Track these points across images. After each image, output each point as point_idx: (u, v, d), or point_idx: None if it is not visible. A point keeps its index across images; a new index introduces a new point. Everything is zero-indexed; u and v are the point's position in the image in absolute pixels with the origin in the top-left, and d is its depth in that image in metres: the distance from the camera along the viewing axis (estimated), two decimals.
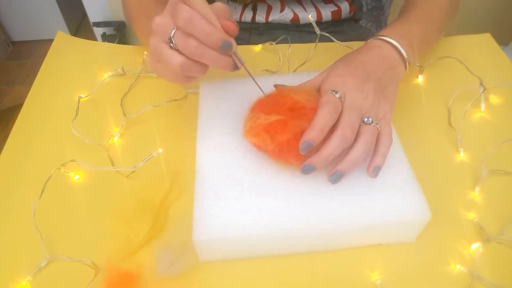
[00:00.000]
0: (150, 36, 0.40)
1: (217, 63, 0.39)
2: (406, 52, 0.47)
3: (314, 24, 0.59)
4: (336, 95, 0.40)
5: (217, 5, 0.39)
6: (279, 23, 0.70)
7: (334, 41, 0.61)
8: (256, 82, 0.43)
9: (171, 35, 0.38)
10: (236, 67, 0.40)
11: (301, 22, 0.70)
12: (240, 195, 0.40)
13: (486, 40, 0.66)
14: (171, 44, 0.38)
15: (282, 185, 0.41)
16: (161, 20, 0.39)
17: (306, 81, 0.46)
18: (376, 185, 0.41)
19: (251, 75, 0.42)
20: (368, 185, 0.41)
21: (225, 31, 0.38)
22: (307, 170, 0.39)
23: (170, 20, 0.38)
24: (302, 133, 0.39)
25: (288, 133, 0.39)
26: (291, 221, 0.38)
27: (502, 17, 1.23)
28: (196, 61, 0.39)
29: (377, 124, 0.40)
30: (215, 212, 0.39)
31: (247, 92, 0.46)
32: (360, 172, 0.41)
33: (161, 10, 0.54)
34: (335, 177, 0.39)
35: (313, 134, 0.38)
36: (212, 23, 0.37)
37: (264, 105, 0.43)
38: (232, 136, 0.46)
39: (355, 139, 0.40)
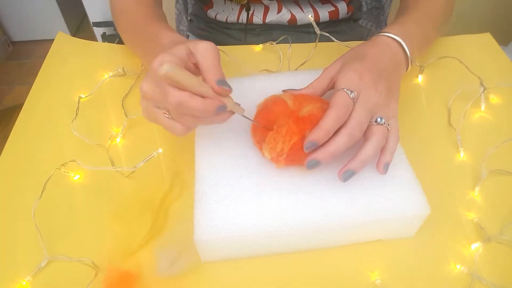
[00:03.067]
0: (140, 97, 0.39)
1: (215, 123, 0.40)
2: (410, 52, 0.47)
3: (314, 24, 0.59)
4: (351, 95, 0.39)
5: (202, 46, 0.37)
6: (277, 24, 0.70)
7: (333, 41, 0.60)
8: (251, 120, 0.42)
9: (166, 110, 0.38)
10: (226, 118, 0.41)
11: (299, 23, 0.70)
12: (240, 194, 0.40)
13: (486, 40, 0.66)
14: (166, 115, 0.38)
15: (282, 183, 0.41)
16: (148, 90, 0.37)
17: (318, 77, 0.45)
18: (375, 180, 0.41)
19: (249, 119, 0.42)
20: (367, 181, 0.41)
21: (218, 94, 0.37)
22: (311, 165, 0.39)
23: (157, 92, 0.37)
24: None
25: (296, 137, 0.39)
26: (292, 219, 0.39)
27: (502, 17, 1.23)
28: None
29: (388, 124, 0.41)
30: (216, 212, 0.39)
31: (245, 91, 0.46)
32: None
33: (146, 24, 0.52)
34: (347, 176, 0.39)
35: (319, 135, 0.38)
36: (203, 92, 0.36)
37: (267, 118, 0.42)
38: (231, 135, 0.46)
39: (366, 138, 0.40)
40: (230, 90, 0.38)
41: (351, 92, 0.40)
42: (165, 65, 0.33)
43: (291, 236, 0.40)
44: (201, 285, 0.40)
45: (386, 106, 0.41)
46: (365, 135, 0.40)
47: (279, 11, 0.68)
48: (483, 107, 0.55)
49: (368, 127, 0.40)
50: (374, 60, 0.44)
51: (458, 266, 0.40)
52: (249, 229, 0.38)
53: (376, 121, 0.40)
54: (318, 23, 0.70)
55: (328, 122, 0.38)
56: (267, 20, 0.69)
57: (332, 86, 0.45)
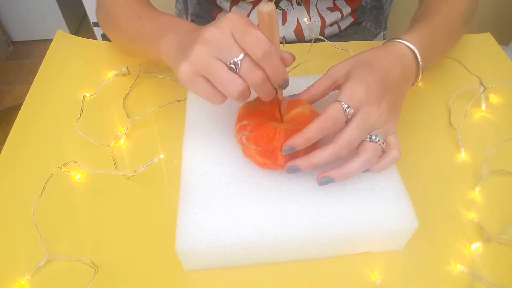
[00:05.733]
0: (183, 38, 0.37)
1: (268, 96, 0.39)
2: (423, 67, 0.45)
3: (310, 27, 0.60)
4: (346, 110, 0.38)
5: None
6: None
7: (331, 43, 0.60)
8: (280, 112, 0.42)
9: (238, 60, 0.35)
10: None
11: (306, 39, 0.70)
12: (225, 202, 0.39)
13: (486, 40, 0.66)
14: (233, 66, 0.35)
15: (268, 193, 0.40)
16: (221, 36, 0.35)
17: (322, 77, 0.44)
18: (363, 193, 0.40)
19: (279, 107, 0.42)
20: (355, 194, 0.40)
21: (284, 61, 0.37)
22: (291, 170, 0.39)
23: (232, 40, 0.35)
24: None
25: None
26: (277, 230, 0.37)
27: (502, 17, 1.22)
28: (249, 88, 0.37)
29: (383, 142, 0.40)
30: (199, 220, 0.38)
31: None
32: (347, 180, 0.41)
33: (152, 11, 0.51)
34: (324, 181, 0.39)
35: (299, 141, 0.37)
36: (279, 58, 0.36)
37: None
38: (218, 142, 0.45)
39: (357, 153, 0.39)
40: (295, 58, 0.38)
41: (348, 107, 0.38)
42: (271, 3, 0.32)
43: (275, 247, 0.38)
44: None
45: (385, 123, 0.40)
46: (357, 150, 0.39)
47: (284, 21, 0.68)
48: (483, 106, 0.55)
49: (362, 142, 0.39)
50: (385, 71, 0.41)
51: (458, 266, 0.40)
52: (232, 239, 0.37)
53: (371, 138, 0.39)
54: (324, 30, 0.71)
55: (311, 130, 0.37)
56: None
57: (335, 88, 0.44)
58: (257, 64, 0.35)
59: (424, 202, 0.44)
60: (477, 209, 0.45)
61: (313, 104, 0.44)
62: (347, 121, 0.39)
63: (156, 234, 0.42)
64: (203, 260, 0.39)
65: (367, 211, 0.39)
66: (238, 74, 0.36)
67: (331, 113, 0.38)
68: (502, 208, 0.45)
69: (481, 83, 0.56)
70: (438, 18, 0.50)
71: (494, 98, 0.57)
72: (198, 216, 0.38)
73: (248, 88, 0.37)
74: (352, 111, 0.38)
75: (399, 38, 0.45)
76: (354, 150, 0.39)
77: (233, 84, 0.36)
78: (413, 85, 0.47)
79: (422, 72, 0.45)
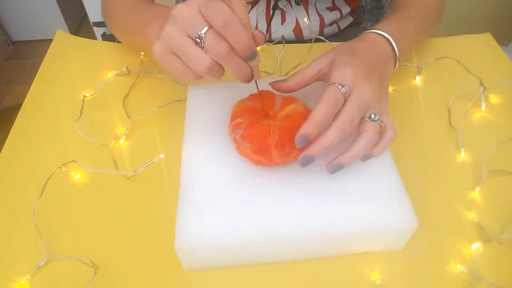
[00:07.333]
0: (165, 23, 0.37)
1: (239, 72, 0.38)
2: (398, 50, 0.47)
3: (310, 27, 0.60)
4: (342, 90, 0.39)
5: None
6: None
7: (331, 44, 0.60)
8: (262, 103, 0.43)
9: (202, 33, 0.35)
10: (249, 80, 0.39)
11: (305, 38, 0.70)
12: (224, 202, 0.39)
13: (486, 40, 0.66)
14: (198, 40, 0.35)
15: (268, 193, 0.40)
16: (187, 11, 0.35)
17: (307, 66, 0.44)
18: (363, 193, 0.40)
19: (258, 91, 0.42)
20: (354, 192, 0.40)
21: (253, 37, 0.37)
22: (305, 162, 0.39)
23: (198, 14, 0.35)
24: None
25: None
26: (276, 230, 0.37)
27: (502, 17, 1.23)
28: (220, 64, 0.37)
29: (381, 121, 0.40)
30: (198, 220, 0.38)
31: (235, 96, 0.45)
32: (347, 180, 0.41)
33: (147, 2, 0.51)
34: (335, 168, 0.39)
35: (309, 127, 0.37)
36: (246, 26, 0.35)
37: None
38: (218, 141, 0.45)
39: (359, 134, 0.39)
40: (265, 36, 0.38)
41: (343, 87, 0.39)
42: None
43: (275, 247, 0.38)
44: None
45: (378, 102, 0.41)
46: (358, 131, 0.40)
47: (283, 21, 0.68)
48: (483, 107, 0.55)
49: (361, 123, 0.40)
50: (366, 55, 0.43)
51: (458, 266, 0.40)
52: (231, 239, 0.37)
53: (370, 117, 0.40)
54: (324, 28, 0.71)
55: (318, 113, 0.37)
56: (273, 31, 0.69)
57: (319, 78, 0.44)
58: (220, 36, 0.35)
59: (424, 202, 0.44)
60: (477, 209, 0.45)
61: (297, 91, 0.45)
62: (344, 102, 0.39)
63: (156, 234, 0.43)
64: (203, 259, 0.39)
65: (367, 211, 0.39)
66: (204, 48, 0.36)
67: (329, 95, 0.38)
68: (502, 208, 0.45)
69: (481, 83, 0.56)
70: (407, 10, 0.55)
71: (494, 99, 0.57)
72: (197, 216, 0.38)
73: (217, 63, 0.37)
74: (347, 89, 0.39)
75: (372, 29, 0.48)
76: (355, 134, 0.40)
77: (200, 60, 0.36)
78: (394, 68, 0.49)
79: (399, 57, 0.48)
